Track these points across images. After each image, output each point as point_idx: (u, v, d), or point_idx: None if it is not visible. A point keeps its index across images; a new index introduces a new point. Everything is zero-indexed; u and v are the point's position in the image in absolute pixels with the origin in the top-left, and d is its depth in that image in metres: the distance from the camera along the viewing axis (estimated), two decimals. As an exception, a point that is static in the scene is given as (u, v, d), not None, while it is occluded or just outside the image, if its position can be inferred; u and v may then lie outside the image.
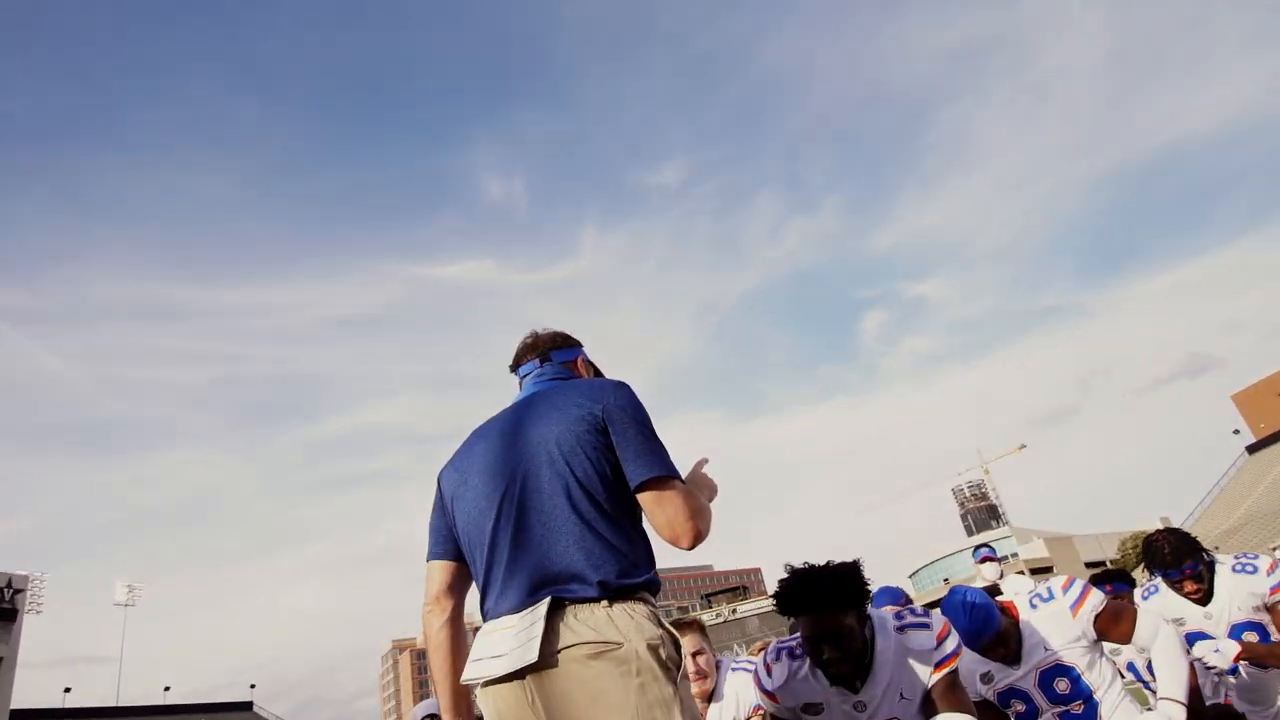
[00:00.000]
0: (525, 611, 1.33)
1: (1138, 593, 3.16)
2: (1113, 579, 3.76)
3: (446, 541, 1.57)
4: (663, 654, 1.30)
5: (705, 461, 1.71)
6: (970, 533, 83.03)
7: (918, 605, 2.26)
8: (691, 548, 1.40)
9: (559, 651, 1.29)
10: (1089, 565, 59.16)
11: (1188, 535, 2.87)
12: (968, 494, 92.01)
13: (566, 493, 1.41)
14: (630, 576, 1.37)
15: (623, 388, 1.53)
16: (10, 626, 36.84)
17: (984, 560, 5.82)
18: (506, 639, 1.33)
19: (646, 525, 1.46)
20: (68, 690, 39.93)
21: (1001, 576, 5.74)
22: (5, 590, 37.71)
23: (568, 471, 1.42)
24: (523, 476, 1.44)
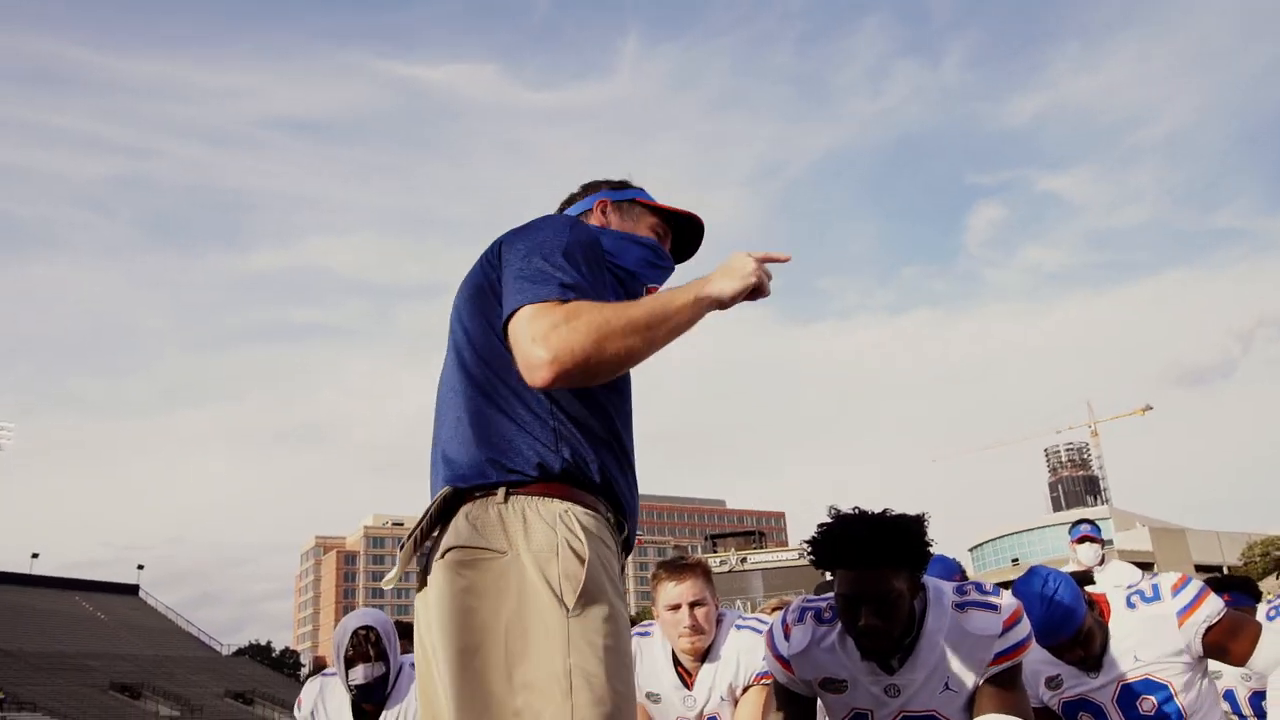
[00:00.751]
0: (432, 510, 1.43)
1: (1262, 609, 3.17)
2: (1233, 587, 3.73)
3: None
4: (555, 570, 1.30)
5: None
6: (1058, 506, 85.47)
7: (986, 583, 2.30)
8: (547, 383, 1.32)
9: (442, 556, 1.35)
10: (1200, 568, 60.35)
11: None
12: (1064, 458, 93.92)
13: (460, 361, 1.52)
14: (534, 463, 1.39)
15: (535, 223, 1.57)
16: None
17: (1082, 539, 5.95)
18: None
19: (584, 409, 1.47)
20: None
21: (1102, 563, 5.88)
22: None
23: (462, 335, 1.53)
24: (447, 350, 1.59)
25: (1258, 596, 3.75)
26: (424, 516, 1.40)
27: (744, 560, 61.00)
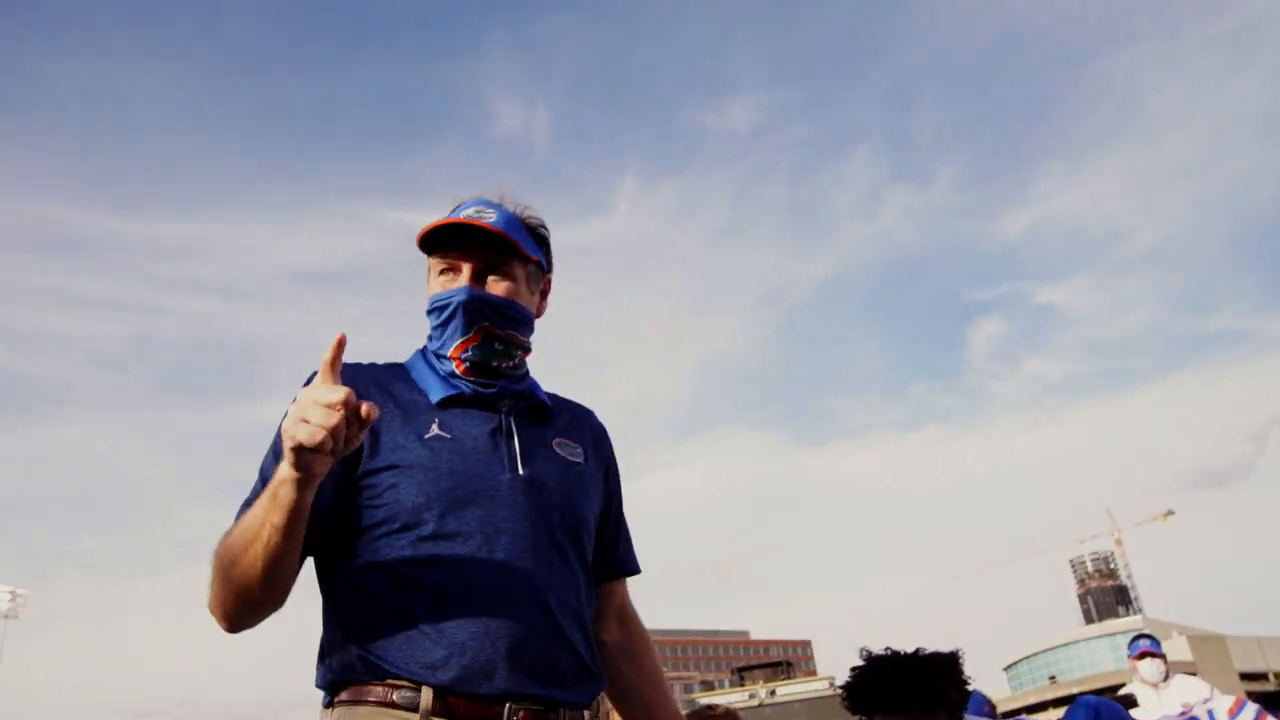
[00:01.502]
0: None
1: None
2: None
3: None
4: None
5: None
6: (1089, 619, 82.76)
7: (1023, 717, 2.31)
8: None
9: None
10: (1245, 676, 58.32)
11: None
12: (1090, 569, 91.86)
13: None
14: (324, 675, 1.36)
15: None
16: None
17: (1143, 655, 5.79)
18: None
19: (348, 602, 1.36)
20: (-72, 717, 41.20)
21: (1166, 678, 5.70)
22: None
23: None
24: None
25: None
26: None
27: (773, 693, 58.68)
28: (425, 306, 1.53)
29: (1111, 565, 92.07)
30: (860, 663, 2.10)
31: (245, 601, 1.26)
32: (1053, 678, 67.01)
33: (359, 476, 1.36)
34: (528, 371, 1.60)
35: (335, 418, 1.07)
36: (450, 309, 1.46)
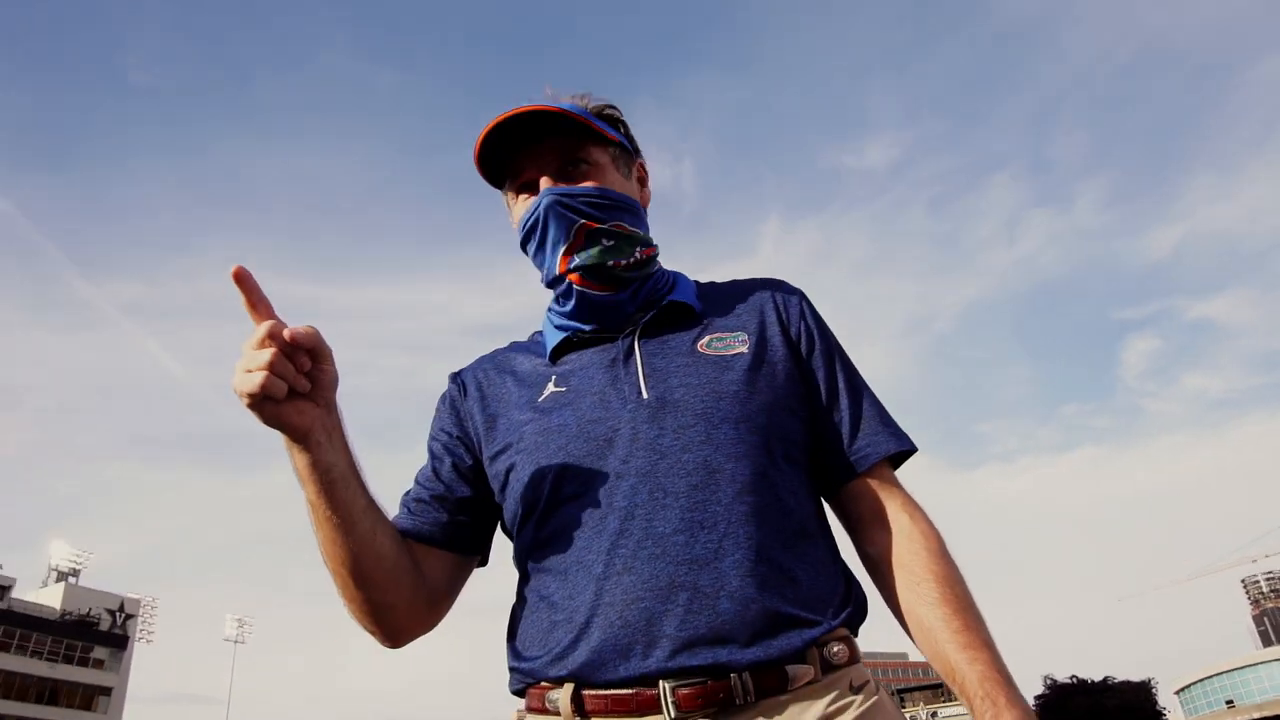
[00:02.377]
0: None
1: None
2: None
3: None
4: None
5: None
6: (1267, 640, 78.05)
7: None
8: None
9: None
10: None
11: None
12: (1265, 588, 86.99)
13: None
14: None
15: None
16: (121, 655, 43.74)
17: None
18: None
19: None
20: (173, 731, 46.78)
21: None
22: (117, 614, 44.90)
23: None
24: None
25: None
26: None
27: (934, 715, 59.34)
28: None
29: None
30: (1045, 691, 2.03)
31: (357, 603, 1.15)
32: (1230, 702, 64.21)
33: (487, 470, 1.25)
34: (661, 270, 1.35)
35: (264, 355, 0.98)
36: (537, 221, 1.24)
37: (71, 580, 47.52)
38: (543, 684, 1.10)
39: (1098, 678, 2.03)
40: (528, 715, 1.12)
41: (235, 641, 52.89)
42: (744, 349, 1.22)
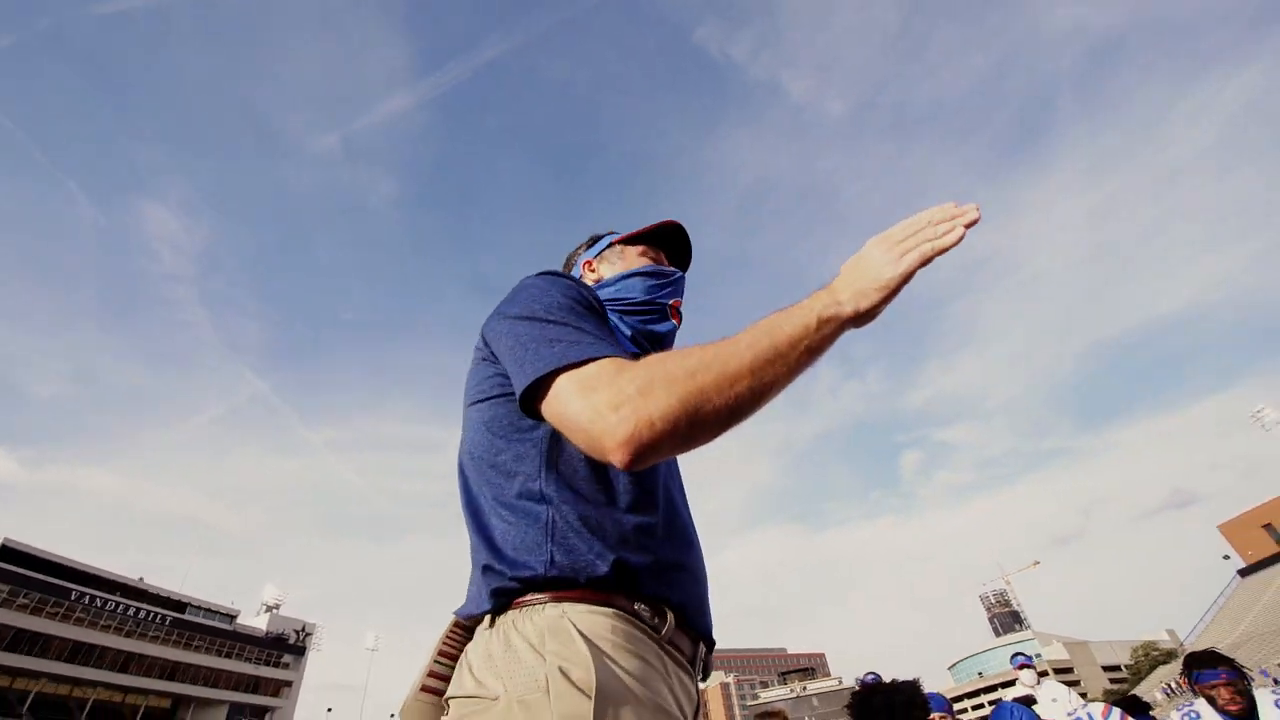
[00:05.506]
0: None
1: (1176, 716, 3.42)
2: (1132, 708, 4.59)
3: None
4: (547, 717, 0.91)
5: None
6: (998, 633, 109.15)
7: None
8: (628, 461, 0.93)
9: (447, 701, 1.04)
10: (1105, 668, 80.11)
11: (1222, 653, 3.28)
12: (993, 600, 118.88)
13: (461, 458, 1.24)
14: (519, 566, 1.06)
15: (515, 289, 1.24)
16: (300, 660, 61.01)
17: (1021, 667, 6.73)
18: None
19: (593, 488, 1.14)
20: (329, 710, 63.89)
21: (1038, 683, 6.68)
22: (300, 633, 62.22)
23: (464, 429, 1.25)
24: None
25: (1148, 708, 4.64)
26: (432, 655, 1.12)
27: (804, 688, 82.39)
28: (622, 272, 1.51)
29: (1006, 598, 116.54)
30: (856, 690, 2.53)
31: (741, 412, 0.97)
32: (980, 674, 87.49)
33: None
34: None
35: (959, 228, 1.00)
36: (676, 277, 1.52)
37: (275, 611, 62.48)
38: (643, 598, 1.08)
39: (903, 676, 2.65)
40: (597, 611, 1.03)
41: (373, 650, 67.73)
42: None
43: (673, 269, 1.54)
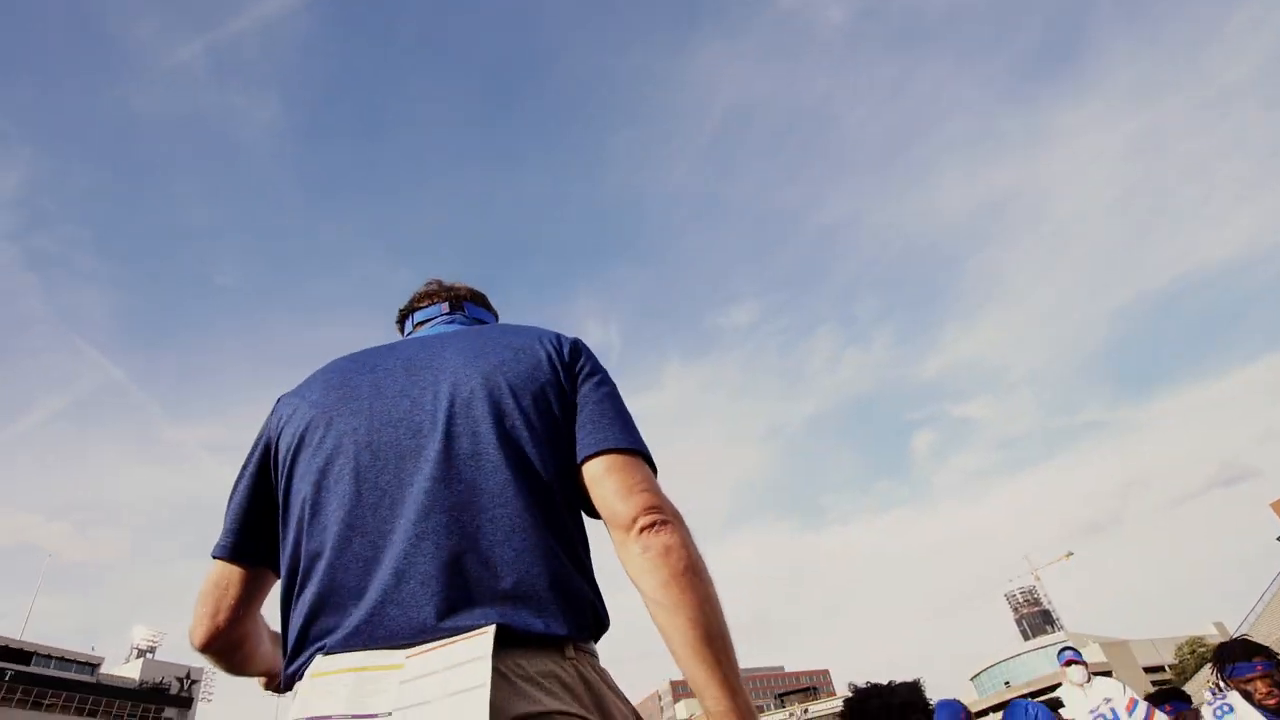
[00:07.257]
0: (439, 644, 0.91)
1: (1208, 711, 3.46)
2: (1170, 698, 4.66)
3: (253, 531, 1.22)
4: None
5: None
6: (1026, 637, 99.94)
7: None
8: (638, 523, 1.00)
9: None
10: (1147, 670, 72.13)
11: (1257, 642, 3.30)
12: (1020, 600, 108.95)
13: (512, 461, 1.06)
14: (600, 611, 1.06)
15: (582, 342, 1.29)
16: (186, 713, 51.36)
17: (1069, 663, 6.39)
18: (388, 693, 0.86)
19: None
20: (228, 775, 53.94)
21: (1089, 680, 6.30)
22: (184, 680, 52.50)
23: (523, 430, 1.10)
24: (452, 425, 1.09)
25: (1189, 700, 4.66)
26: (461, 661, 0.86)
27: (806, 710, 73.28)
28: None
29: (1035, 596, 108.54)
30: (850, 695, 2.48)
31: (701, 601, 1.03)
32: (1007, 683, 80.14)
33: None
34: None
35: None
36: None
37: (149, 655, 53.48)
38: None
39: (910, 679, 2.49)
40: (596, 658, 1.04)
41: (281, 692, 60.09)
42: None
43: None
